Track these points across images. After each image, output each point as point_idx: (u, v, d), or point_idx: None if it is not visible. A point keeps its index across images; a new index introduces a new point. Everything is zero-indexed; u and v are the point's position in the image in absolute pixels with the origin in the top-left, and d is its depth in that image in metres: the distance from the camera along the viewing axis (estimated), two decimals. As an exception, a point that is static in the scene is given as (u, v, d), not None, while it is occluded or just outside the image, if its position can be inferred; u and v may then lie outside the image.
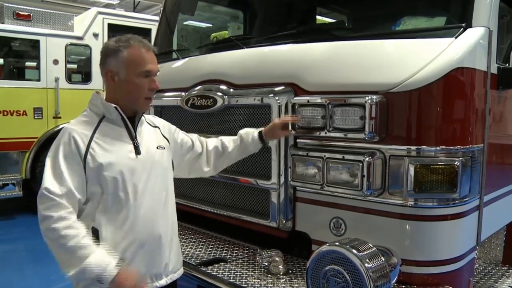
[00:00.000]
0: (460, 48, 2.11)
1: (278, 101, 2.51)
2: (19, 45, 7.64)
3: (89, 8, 8.77)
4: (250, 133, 2.44)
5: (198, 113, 2.98)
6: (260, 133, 2.41)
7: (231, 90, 2.78)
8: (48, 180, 1.83)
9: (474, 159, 2.16)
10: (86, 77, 8.03)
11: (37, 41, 7.38)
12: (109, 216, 1.92)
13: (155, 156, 2.09)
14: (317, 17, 3.89)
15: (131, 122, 2.03)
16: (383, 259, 1.90)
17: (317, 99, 2.33)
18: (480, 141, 2.23)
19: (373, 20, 3.37)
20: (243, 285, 2.29)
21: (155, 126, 2.23)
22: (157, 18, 5.95)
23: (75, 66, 8.25)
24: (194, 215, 3.18)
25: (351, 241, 1.95)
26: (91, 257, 1.76)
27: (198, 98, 2.92)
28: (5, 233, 6.81)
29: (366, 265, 1.81)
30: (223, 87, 2.82)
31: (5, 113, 7.09)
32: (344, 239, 2.01)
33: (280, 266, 2.41)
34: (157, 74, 2.06)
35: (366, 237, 2.02)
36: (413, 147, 2.09)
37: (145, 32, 7.93)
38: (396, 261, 2.08)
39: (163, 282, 2.06)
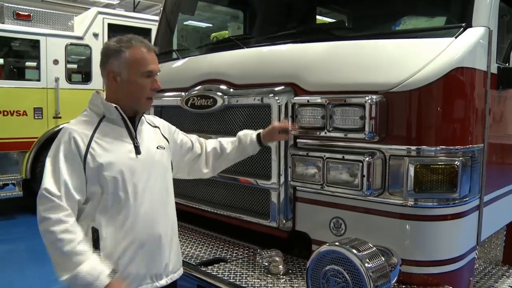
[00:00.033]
0: (460, 48, 2.11)
1: (278, 101, 2.50)
2: (19, 45, 7.65)
3: (89, 8, 8.78)
4: (249, 134, 2.44)
5: (198, 113, 2.98)
6: (258, 135, 2.42)
7: (231, 90, 2.78)
8: (48, 181, 1.83)
9: (474, 159, 2.16)
10: (86, 77, 8.03)
11: (37, 41, 7.39)
12: (109, 216, 1.91)
13: (155, 156, 2.09)
14: (317, 17, 3.89)
15: (131, 122, 2.03)
16: (383, 259, 1.90)
17: (317, 99, 2.33)
18: (480, 141, 2.23)
19: (373, 20, 3.37)
20: (243, 285, 2.29)
21: (155, 126, 2.23)
22: (157, 18, 5.94)
23: (75, 66, 8.25)
24: (194, 215, 3.18)
25: (351, 241, 1.95)
26: (85, 264, 1.76)
27: (198, 98, 2.92)
28: (5, 233, 6.81)
29: (366, 265, 1.81)
30: (223, 87, 2.82)
31: (5, 113, 7.10)
32: (344, 239, 2.01)
33: (280, 266, 2.41)
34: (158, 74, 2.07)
35: (366, 237, 2.02)
36: (413, 147, 2.08)
37: (145, 32, 7.93)
38: (396, 261, 2.08)
39: (164, 282, 2.06)
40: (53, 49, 7.49)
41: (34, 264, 5.43)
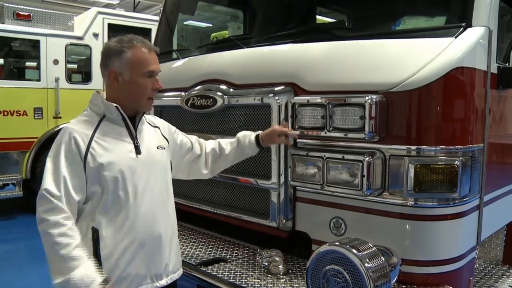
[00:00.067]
0: (460, 48, 2.11)
1: (278, 101, 2.50)
2: (19, 45, 7.64)
3: (89, 8, 8.77)
4: (248, 136, 2.44)
5: (198, 113, 2.98)
6: (257, 137, 2.41)
7: (231, 90, 2.78)
8: (48, 181, 1.83)
9: (474, 159, 2.16)
10: (86, 77, 8.03)
11: (37, 41, 7.38)
12: (109, 215, 1.91)
13: (156, 156, 2.09)
14: (317, 17, 3.88)
15: (131, 121, 2.03)
16: (383, 259, 1.90)
17: (317, 99, 2.33)
18: (480, 141, 2.23)
19: (373, 20, 3.37)
20: (243, 285, 2.29)
21: (155, 126, 2.23)
22: (157, 18, 5.94)
23: (75, 66, 8.25)
24: (194, 215, 3.19)
25: (351, 241, 1.95)
26: (78, 270, 1.74)
27: (198, 98, 2.92)
28: (5, 233, 6.81)
29: (366, 265, 1.81)
30: (223, 87, 2.82)
31: (5, 113, 7.09)
32: (344, 239, 2.01)
33: (280, 266, 2.41)
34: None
35: (366, 237, 2.02)
36: (413, 147, 2.08)
37: (145, 32, 7.93)
38: (396, 261, 2.08)
39: (164, 282, 2.06)
40: (53, 49, 7.49)
41: (34, 264, 5.43)
